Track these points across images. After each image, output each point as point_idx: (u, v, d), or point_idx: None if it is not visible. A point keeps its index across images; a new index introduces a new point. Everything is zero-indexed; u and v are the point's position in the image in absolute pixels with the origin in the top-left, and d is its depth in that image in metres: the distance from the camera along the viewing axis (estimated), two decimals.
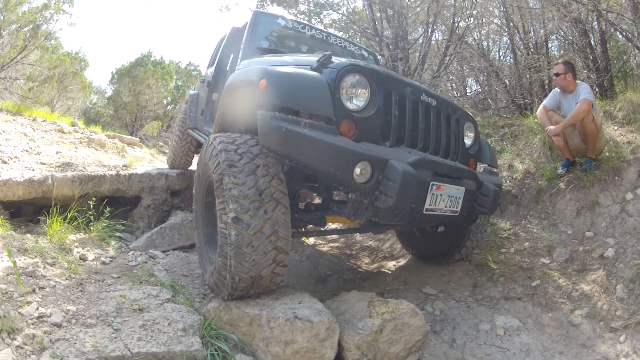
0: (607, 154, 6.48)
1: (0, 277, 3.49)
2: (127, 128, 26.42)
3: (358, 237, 7.93)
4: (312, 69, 3.69)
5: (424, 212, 3.82)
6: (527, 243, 6.07)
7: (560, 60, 6.61)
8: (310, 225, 4.89)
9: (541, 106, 6.67)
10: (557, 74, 6.35)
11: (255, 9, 10.87)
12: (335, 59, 3.83)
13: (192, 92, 8.42)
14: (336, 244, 7.87)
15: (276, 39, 6.16)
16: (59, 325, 3.05)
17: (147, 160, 10.86)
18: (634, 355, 4.01)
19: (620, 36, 9.44)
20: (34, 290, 3.44)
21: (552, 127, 6.22)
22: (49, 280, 3.74)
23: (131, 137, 13.15)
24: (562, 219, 6.21)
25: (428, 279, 5.77)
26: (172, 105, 30.60)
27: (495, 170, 5.55)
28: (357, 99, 3.70)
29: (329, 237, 8.08)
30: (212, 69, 7.35)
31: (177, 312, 3.54)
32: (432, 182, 3.75)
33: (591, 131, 6.01)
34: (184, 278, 5.09)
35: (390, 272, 6.37)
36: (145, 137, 24.50)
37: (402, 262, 6.64)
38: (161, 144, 22.42)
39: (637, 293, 4.57)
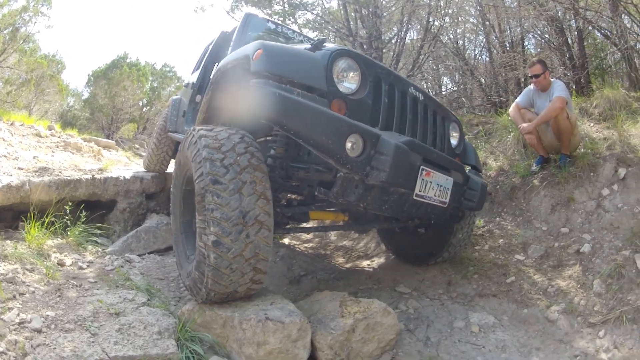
0: (582, 150, 6.66)
1: None
2: (103, 131, 26.83)
3: (333, 236, 8.08)
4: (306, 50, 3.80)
5: (414, 197, 3.89)
6: (502, 240, 6.24)
7: (535, 60, 6.74)
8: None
9: (514, 104, 6.83)
10: (536, 76, 6.46)
11: (228, 9, 11.09)
12: (328, 44, 3.91)
13: (175, 97, 8.49)
14: (311, 244, 8.01)
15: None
16: (39, 331, 3.15)
17: (122, 163, 10.92)
18: (614, 350, 4.12)
19: (599, 34, 9.65)
20: (14, 297, 3.55)
21: (524, 124, 6.38)
22: (29, 286, 3.83)
23: (107, 140, 13.21)
24: (536, 215, 6.40)
25: (402, 278, 5.90)
26: (148, 107, 30.98)
27: (480, 173, 5.63)
28: (348, 82, 3.80)
29: (304, 237, 8.22)
30: (197, 73, 7.39)
31: (152, 315, 3.65)
32: (422, 167, 3.83)
33: (565, 128, 6.18)
34: (160, 281, 5.20)
35: (364, 271, 6.49)
36: (121, 140, 24.68)
37: (376, 261, 6.80)
38: (137, 146, 22.53)
39: (615, 288, 4.74)
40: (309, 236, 8.34)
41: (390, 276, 6.07)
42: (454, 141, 5.11)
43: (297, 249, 7.82)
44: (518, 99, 6.89)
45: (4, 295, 3.48)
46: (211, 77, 4.67)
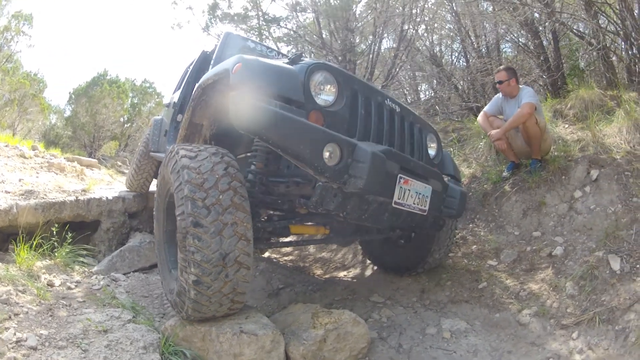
0: (555, 153, 6.88)
1: None
2: (85, 149, 27.20)
3: (312, 249, 8.28)
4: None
5: (393, 204, 4.03)
6: (475, 246, 6.48)
7: (501, 67, 7.06)
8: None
9: (482, 113, 7.13)
10: (500, 82, 6.75)
11: (204, 26, 11.58)
12: (305, 58, 4.08)
13: (156, 117, 8.67)
14: (290, 257, 8.26)
15: None
16: (34, 349, 3.41)
17: (105, 182, 11.17)
18: (588, 351, 4.31)
19: (575, 35, 9.82)
20: (10, 317, 3.80)
21: (493, 131, 6.65)
22: (22, 307, 4.08)
23: (89, 159, 13.54)
24: (508, 220, 6.63)
25: (376, 288, 6.15)
26: (129, 124, 31.27)
27: (460, 182, 5.74)
28: (325, 94, 3.96)
29: (283, 250, 8.45)
30: (179, 92, 7.58)
31: (137, 331, 3.91)
32: (399, 175, 3.97)
33: (534, 133, 6.46)
34: (144, 299, 5.51)
35: (341, 282, 6.82)
36: (104, 158, 24.92)
37: (353, 272, 7.04)
38: (119, 163, 22.71)
39: (588, 289, 4.94)
40: (288, 249, 8.51)
41: (365, 286, 6.31)
42: (432, 151, 5.28)
43: (277, 262, 8.02)
44: (486, 108, 7.20)
45: (0, 316, 3.73)
46: (192, 93, 4.76)
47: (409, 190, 4.15)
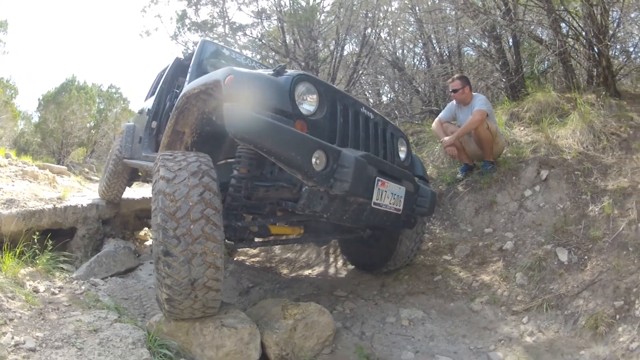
0: (508, 155, 7.43)
1: None
2: (54, 155, 27.27)
3: (277, 250, 8.75)
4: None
5: (372, 205, 4.37)
6: (431, 243, 7.00)
7: (455, 76, 7.55)
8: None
9: (436, 119, 7.63)
10: (454, 90, 7.28)
11: (172, 34, 11.99)
12: (288, 70, 4.31)
13: (128, 123, 8.86)
14: (257, 258, 8.74)
15: (220, 66, 6.50)
16: (33, 350, 3.65)
17: (76, 189, 11.43)
18: (539, 333, 4.77)
19: (535, 40, 10.18)
20: (5, 322, 4.01)
21: (446, 138, 7.15)
22: (15, 312, 4.30)
23: (60, 167, 13.78)
24: (462, 218, 7.17)
25: (339, 284, 6.72)
26: (95, 130, 31.31)
27: (428, 182, 6.11)
28: (307, 104, 4.22)
29: (250, 252, 8.88)
30: (152, 99, 7.85)
31: (125, 329, 4.21)
32: (377, 178, 4.31)
33: (486, 138, 7.01)
34: (125, 301, 5.89)
35: (306, 279, 7.31)
36: (72, 164, 25.04)
37: (317, 270, 7.56)
38: (87, 170, 22.86)
39: (537, 279, 5.46)
40: (255, 251, 8.97)
41: (329, 282, 6.83)
42: (402, 155, 5.67)
43: (245, 263, 8.48)
44: (441, 115, 7.72)
45: None
46: (175, 102, 4.98)
47: (386, 191, 4.52)
